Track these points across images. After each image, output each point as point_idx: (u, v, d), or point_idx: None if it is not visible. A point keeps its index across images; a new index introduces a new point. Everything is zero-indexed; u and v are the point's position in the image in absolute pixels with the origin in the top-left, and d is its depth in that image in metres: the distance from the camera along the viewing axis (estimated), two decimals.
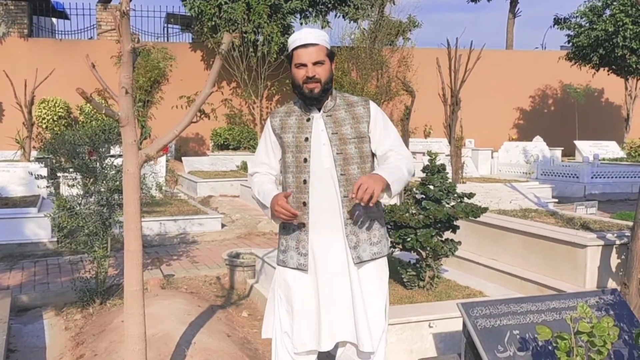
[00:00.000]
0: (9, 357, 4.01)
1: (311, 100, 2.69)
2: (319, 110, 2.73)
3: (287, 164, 2.74)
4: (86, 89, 2.56)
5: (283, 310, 2.77)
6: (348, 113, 2.72)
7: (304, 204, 2.68)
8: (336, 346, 2.76)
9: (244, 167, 13.78)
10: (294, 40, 2.68)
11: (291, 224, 2.70)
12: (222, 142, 16.80)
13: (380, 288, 2.74)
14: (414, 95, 10.49)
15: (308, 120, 2.73)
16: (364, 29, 16.52)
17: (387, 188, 2.55)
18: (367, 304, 2.67)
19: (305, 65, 2.63)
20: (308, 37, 2.64)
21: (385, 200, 2.82)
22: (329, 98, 2.73)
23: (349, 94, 2.87)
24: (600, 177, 12.37)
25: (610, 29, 16.36)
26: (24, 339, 4.43)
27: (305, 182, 2.69)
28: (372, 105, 2.78)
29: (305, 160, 2.69)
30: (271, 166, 2.85)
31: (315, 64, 2.63)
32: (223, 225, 8.55)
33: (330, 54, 2.69)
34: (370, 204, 2.48)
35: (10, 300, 4.69)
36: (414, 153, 14.23)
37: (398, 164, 2.66)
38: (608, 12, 16.98)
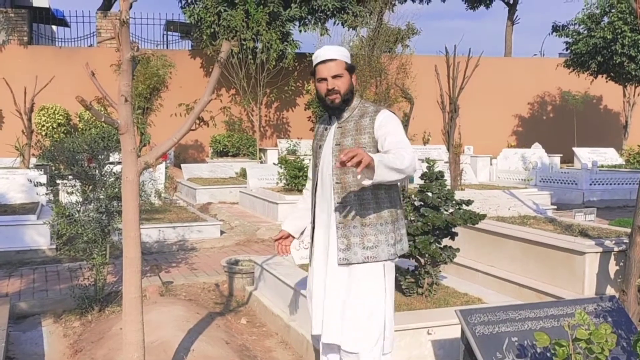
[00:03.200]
0: None
1: (333, 110, 2.95)
2: (337, 120, 2.96)
3: (311, 166, 3.16)
4: (86, 96, 2.57)
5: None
6: (355, 125, 2.91)
7: (314, 204, 3.05)
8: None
9: (243, 174, 13.79)
10: (315, 57, 2.96)
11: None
12: (221, 149, 16.83)
13: (373, 291, 2.85)
14: (412, 102, 10.53)
15: (326, 129, 3.02)
16: (363, 36, 16.56)
17: (372, 169, 2.51)
18: (356, 306, 2.83)
19: (325, 79, 2.90)
20: (327, 53, 2.91)
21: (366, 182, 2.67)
22: (346, 109, 2.93)
23: (372, 104, 3.00)
24: (598, 184, 12.39)
25: (608, 37, 16.42)
26: (22, 346, 4.42)
27: (315, 185, 3.04)
28: (380, 116, 2.87)
29: (316, 165, 3.03)
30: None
31: (334, 77, 2.88)
32: (222, 232, 8.55)
33: (350, 67, 2.94)
34: (358, 170, 2.45)
35: (9, 308, 4.68)
36: None
37: (394, 154, 2.66)
38: (606, 19, 17.06)
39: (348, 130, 2.90)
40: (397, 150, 2.71)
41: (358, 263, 2.84)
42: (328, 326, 2.92)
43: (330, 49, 2.94)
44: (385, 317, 2.89)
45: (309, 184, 3.21)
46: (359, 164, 2.43)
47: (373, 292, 2.86)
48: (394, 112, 2.98)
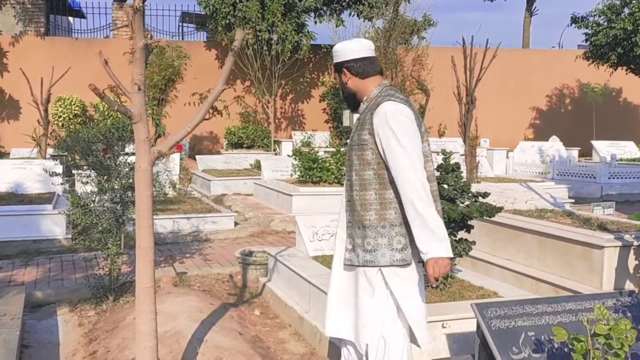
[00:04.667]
0: (23, 352, 4.03)
1: (349, 106, 3.00)
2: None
3: None
4: (101, 87, 2.56)
5: None
6: (363, 118, 2.81)
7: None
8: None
9: (257, 165, 13.77)
10: None
11: None
12: (235, 141, 16.83)
13: (372, 298, 2.72)
14: (428, 94, 10.43)
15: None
16: (379, 27, 16.45)
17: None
18: (359, 309, 2.78)
19: None
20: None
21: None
22: (364, 101, 2.86)
23: (387, 94, 2.74)
24: (617, 178, 12.20)
25: (629, 28, 16.11)
26: (37, 335, 4.46)
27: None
28: (378, 113, 2.67)
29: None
30: None
31: (336, 79, 2.96)
32: (236, 224, 8.55)
33: (336, 68, 2.91)
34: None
35: (25, 296, 4.73)
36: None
37: (418, 214, 2.57)
38: (627, 10, 16.73)
39: (358, 125, 2.82)
40: (403, 196, 2.60)
41: (359, 265, 2.75)
42: (335, 322, 2.88)
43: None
44: (383, 325, 2.71)
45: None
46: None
47: (371, 297, 2.72)
48: (402, 100, 2.70)
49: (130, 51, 2.42)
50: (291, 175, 10.78)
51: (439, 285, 4.10)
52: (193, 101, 13.71)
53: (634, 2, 16.34)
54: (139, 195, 2.78)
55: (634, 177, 12.28)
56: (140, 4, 2.42)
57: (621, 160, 14.55)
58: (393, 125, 2.62)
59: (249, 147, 16.71)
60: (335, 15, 17.63)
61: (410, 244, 2.69)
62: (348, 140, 2.93)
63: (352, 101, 2.90)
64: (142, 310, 2.84)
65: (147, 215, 2.79)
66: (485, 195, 4.33)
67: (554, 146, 15.19)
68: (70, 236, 7.17)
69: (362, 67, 2.83)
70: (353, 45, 2.85)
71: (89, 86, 2.39)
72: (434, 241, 2.55)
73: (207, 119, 2.96)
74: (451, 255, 2.60)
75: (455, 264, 4.34)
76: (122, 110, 2.61)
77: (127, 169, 5.06)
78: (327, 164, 9.92)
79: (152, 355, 2.84)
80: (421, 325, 2.76)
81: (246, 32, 2.84)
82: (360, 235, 2.73)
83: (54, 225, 7.30)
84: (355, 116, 3.14)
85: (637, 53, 16.41)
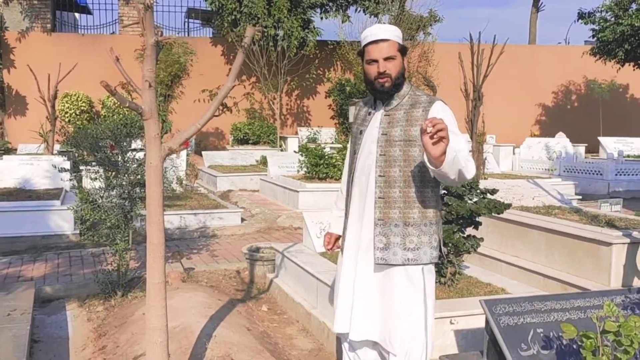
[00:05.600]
0: (33, 346, 4.06)
1: (382, 94, 2.71)
2: (384, 106, 2.74)
3: (349, 152, 2.94)
4: (108, 83, 2.57)
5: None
6: (406, 114, 2.68)
7: (349, 195, 2.83)
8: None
9: (263, 161, 13.79)
10: (365, 36, 2.72)
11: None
12: (241, 137, 16.85)
13: (413, 296, 2.66)
14: (435, 90, 10.40)
15: (369, 114, 2.79)
16: (385, 23, 16.42)
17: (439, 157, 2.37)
18: (395, 309, 2.66)
19: (376, 61, 2.66)
20: (379, 32, 2.67)
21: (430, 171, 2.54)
22: (395, 96, 2.71)
23: (424, 92, 2.76)
24: (624, 174, 12.16)
25: (636, 24, 16.02)
26: (47, 330, 4.49)
27: (352, 173, 2.82)
28: (435, 108, 2.64)
29: (355, 152, 2.81)
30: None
31: (386, 59, 2.65)
32: (243, 220, 8.57)
33: (402, 49, 2.71)
34: (442, 140, 2.31)
35: (34, 292, 4.75)
36: None
37: (466, 159, 2.50)
38: (634, 6, 16.63)
39: (397, 120, 2.67)
40: (466, 158, 2.51)
41: (397, 265, 2.65)
42: (359, 323, 2.74)
43: (383, 28, 2.70)
44: (425, 321, 2.69)
45: (345, 175, 2.96)
46: (439, 140, 2.29)
47: (409, 296, 2.66)
48: (446, 104, 2.71)
49: (141, 48, 2.42)
50: (297, 171, 10.79)
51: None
52: (203, 98, 13.72)
53: None
54: (150, 191, 2.79)
55: None
56: (152, 1, 2.43)
57: (628, 156, 14.48)
58: (451, 118, 2.61)
59: (254, 143, 16.72)
60: (341, 11, 17.60)
61: (440, 243, 2.75)
62: (374, 134, 2.71)
63: (395, 90, 2.69)
64: (152, 306, 2.85)
65: (157, 211, 2.80)
66: (493, 191, 4.32)
67: (561, 142, 15.14)
68: (78, 232, 7.20)
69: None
70: None
71: (100, 83, 2.40)
72: (457, 154, 2.43)
73: (216, 116, 2.96)
74: (447, 156, 2.36)
75: (463, 261, 4.34)
76: (133, 107, 2.62)
77: (135, 165, 5.08)
78: (334, 160, 9.92)
79: (162, 350, 2.85)
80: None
81: (257, 29, 2.84)
82: (399, 234, 2.65)
83: (62, 221, 7.34)
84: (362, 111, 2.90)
85: None
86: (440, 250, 2.77)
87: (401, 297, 2.66)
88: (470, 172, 2.52)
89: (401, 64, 2.69)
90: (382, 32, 2.67)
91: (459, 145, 2.46)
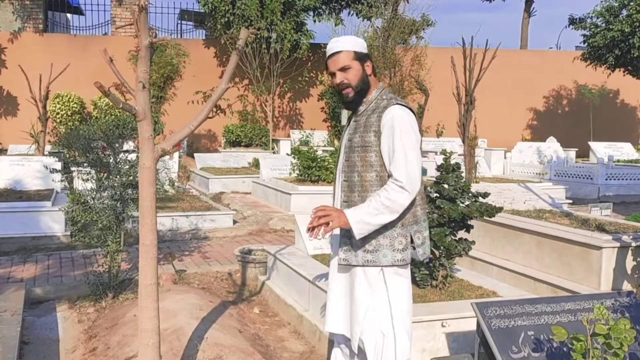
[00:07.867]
0: (23, 348, 4.03)
1: (347, 104, 2.84)
2: (354, 113, 2.87)
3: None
4: (102, 84, 2.56)
5: None
6: (366, 120, 2.76)
7: (334, 200, 2.99)
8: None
9: (255, 164, 13.79)
10: (326, 52, 2.85)
11: None
12: (234, 139, 16.84)
13: (375, 296, 2.74)
14: (427, 94, 10.44)
15: (349, 123, 2.91)
16: (377, 27, 16.45)
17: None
18: (357, 307, 2.78)
19: (334, 74, 2.79)
20: (334, 46, 2.79)
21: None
22: (364, 102, 2.81)
23: (390, 96, 2.79)
24: (614, 179, 12.25)
25: (626, 30, 16.17)
26: (37, 331, 4.46)
27: (336, 179, 2.98)
28: (387, 115, 2.68)
29: (336, 161, 3.00)
30: None
31: (342, 69, 2.75)
32: (235, 222, 8.56)
33: (362, 56, 2.78)
34: (319, 236, 2.63)
35: (25, 293, 4.73)
36: (426, 152, 14.15)
37: (376, 200, 2.63)
38: (625, 12, 16.79)
39: (359, 126, 2.76)
40: (389, 190, 2.61)
41: (357, 265, 2.75)
42: (332, 317, 2.91)
43: (337, 41, 2.80)
44: (392, 320, 2.76)
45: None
46: (327, 224, 2.59)
47: (371, 295, 2.74)
48: (407, 107, 2.72)
49: (134, 49, 2.43)
50: (290, 173, 10.79)
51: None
52: (196, 99, 13.71)
53: (631, 4, 16.39)
54: (143, 192, 2.79)
55: (630, 179, 12.34)
56: (146, 3, 2.43)
57: (618, 161, 14.62)
58: (400, 130, 2.65)
59: (247, 146, 16.71)
60: (334, 14, 17.65)
61: (409, 245, 2.77)
62: (344, 141, 2.86)
63: (360, 98, 2.78)
64: (144, 307, 2.84)
65: (150, 213, 2.80)
66: (485, 195, 4.35)
67: (552, 147, 15.24)
68: (69, 233, 7.17)
69: (375, 65, 2.84)
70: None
71: (94, 84, 2.40)
72: (364, 216, 2.63)
73: (210, 117, 2.96)
74: (352, 229, 2.64)
75: (454, 264, 4.36)
76: (127, 108, 2.62)
77: (127, 167, 5.06)
78: (326, 163, 9.93)
79: (154, 352, 2.85)
80: (407, 321, 2.85)
81: (251, 32, 2.84)
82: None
83: (52, 222, 7.30)
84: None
85: (635, 55, 16.47)
86: (428, 252, 2.87)
87: (361, 296, 2.77)
88: (396, 205, 2.63)
89: (360, 71, 2.77)
90: (336, 44, 2.78)
91: (362, 210, 2.64)
